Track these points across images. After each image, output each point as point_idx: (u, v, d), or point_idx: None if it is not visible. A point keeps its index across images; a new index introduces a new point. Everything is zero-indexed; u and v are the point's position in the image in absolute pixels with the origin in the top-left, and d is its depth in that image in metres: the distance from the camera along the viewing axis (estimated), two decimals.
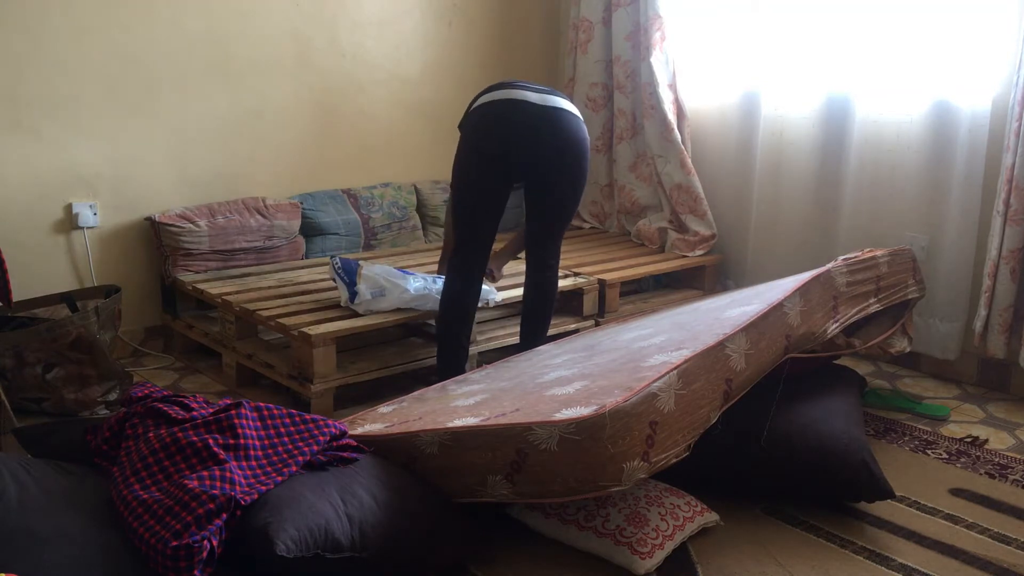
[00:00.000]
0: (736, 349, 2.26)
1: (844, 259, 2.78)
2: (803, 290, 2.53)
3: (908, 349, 3.00)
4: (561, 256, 3.86)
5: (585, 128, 2.90)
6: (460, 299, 2.91)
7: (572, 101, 3.01)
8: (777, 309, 2.43)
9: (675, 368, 2.11)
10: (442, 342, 2.95)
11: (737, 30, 3.84)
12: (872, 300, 2.79)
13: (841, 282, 2.68)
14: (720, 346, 2.24)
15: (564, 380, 2.33)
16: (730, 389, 2.22)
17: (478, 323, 3.26)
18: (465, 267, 2.90)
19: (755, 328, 2.34)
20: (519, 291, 3.37)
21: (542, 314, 3.07)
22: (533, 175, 2.87)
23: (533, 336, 3.06)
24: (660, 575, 2.09)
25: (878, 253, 2.89)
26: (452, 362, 2.92)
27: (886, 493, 2.29)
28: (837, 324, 2.61)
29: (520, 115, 2.79)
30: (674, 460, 2.03)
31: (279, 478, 1.95)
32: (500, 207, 2.88)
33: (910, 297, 2.97)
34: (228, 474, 1.87)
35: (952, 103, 3.21)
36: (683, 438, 2.06)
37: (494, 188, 2.85)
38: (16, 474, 1.87)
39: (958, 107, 3.19)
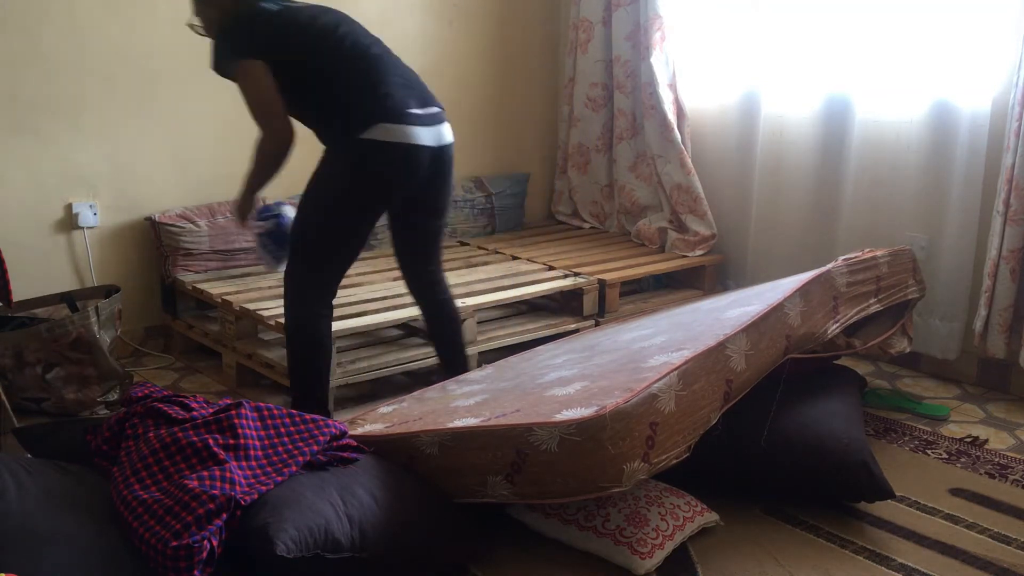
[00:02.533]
0: (736, 350, 2.26)
1: (844, 259, 2.78)
2: (803, 290, 2.53)
3: (908, 349, 3.00)
4: (561, 256, 3.91)
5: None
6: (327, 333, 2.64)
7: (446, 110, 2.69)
8: (777, 310, 2.43)
9: (676, 369, 2.11)
10: (312, 379, 2.63)
11: (737, 30, 3.83)
12: (872, 300, 2.79)
13: (841, 282, 2.68)
14: (721, 347, 2.24)
15: (564, 381, 2.33)
16: (730, 390, 2.22)
17: (479, 323, 3.26)
18: (328, 297, 2.63)
19: (755, 329, 2.34)
20: (522, 290, 3.37)
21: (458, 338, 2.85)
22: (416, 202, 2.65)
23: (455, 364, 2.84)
24: (660, 575, 2.09)
25: (878, 253, 2.89)
26: (319, 399, 2.65)
27: (886, 493, 2.29)
28: (837, 324, 2.61)
29: (419, 167, 2.52)
30: (674, 461, 2.04)
31: (279, 478, 1.95)
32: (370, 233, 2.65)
33: (910, 297, 2.97)
34: (228, 474, 1.87)
35: (952, 103, 3.21)
36: (683, 439, 2.06)
37: (374, 218, 2.60)
38: (16, 474, 1.87)
39: (958, 107, 3.19)
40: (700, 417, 2.11)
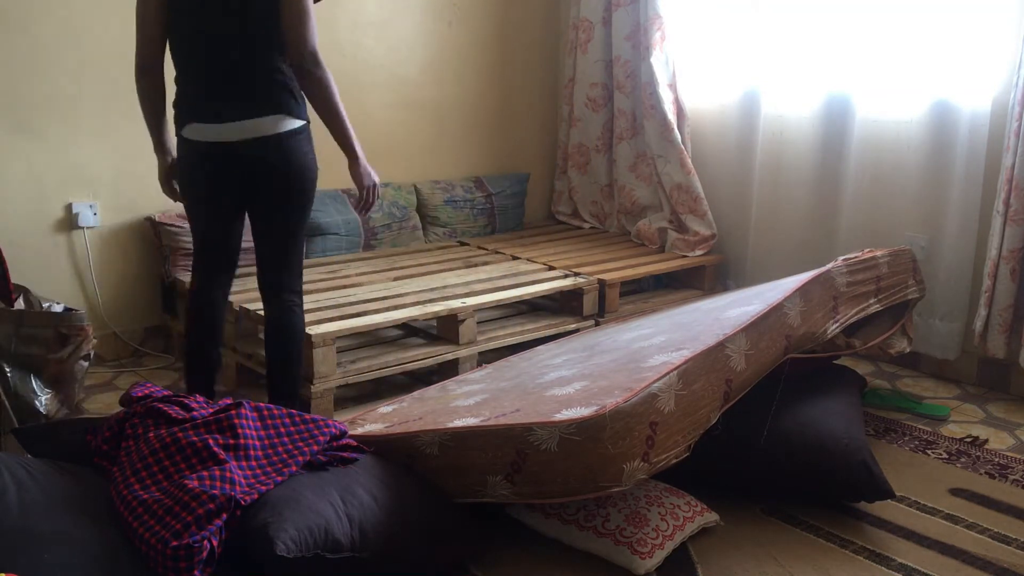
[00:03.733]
0: (736, 349, 2.26)
1: (844, 259, 2.79)
2: (803, 290, 2.54)
3: (908, 349, 3.01)
4: (561, 256, 3.91)
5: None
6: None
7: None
8: (777, 309, 2.43)
9: (675, 368, 2.11)
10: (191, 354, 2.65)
11: (737, 30, 3.84)
12: (872, 300, 2.79)
13: (841, 282, 2.68)
14: (720, 346, 2.24)
15: (564, 380, 2.33)
16: (730, 389, 2.22)
17: (479, 323, 3.27)
18: (198, 278, 2.64)
19: (755, 328, 2.34)
20: (522, 290, 3.37)
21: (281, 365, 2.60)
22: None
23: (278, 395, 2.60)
24: (660, 575, 2.09)
25: (878, 253, 2.89)
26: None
27: (886, 493, 2.29)
28: (837, 324, 2.61)
29: (199, 162, 2.49)
30: (674, 461, 2.03)
31: (279, 478, 1.95)
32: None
33: (910, 297, 2.97)
34: (228, 474, 1.87)
35: (952, 103, 3.21)
36: (683, 439, 2.06)
37: (204, 208, 2.60)
38: (16, 474, 1.87)
39: (958, 107, 3.19)
40: (700, 417, 2.12)
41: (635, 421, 1.97)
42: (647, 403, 2.01)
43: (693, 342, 2.28)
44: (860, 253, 2.88)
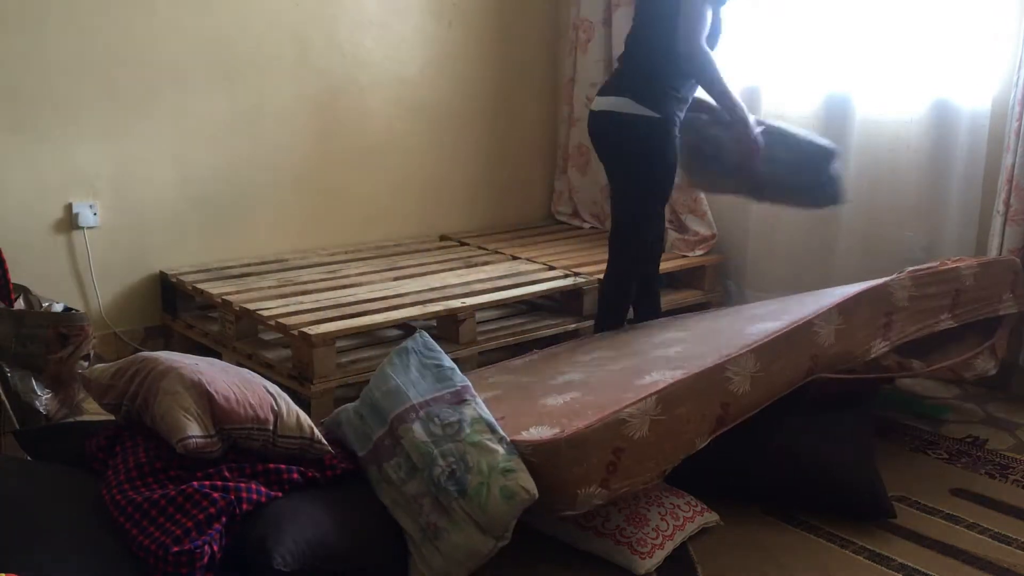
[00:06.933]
0: (740, 371, 2.20)
1: (911, 271, 2.60)
2: (843, 307, 2.39)
3: (993, 371, 2.75)
4: (561, 256, 3.90)
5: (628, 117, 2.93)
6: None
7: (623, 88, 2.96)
8: (805, 328, 2.32)
9: (655, 393, 2.08)
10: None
11: (736, 28, 3.82)
12: (945, 315, 2.59)
13: (902, 296, 2.51)
14: (719, 368, 2.18)
15: (567, 386, 2.32)
16: (726, 414, 2.16)
17: (479, 323, 3.27)
18: None
19: (770, 349, 2.25)
20: (522, 290, 3.37)
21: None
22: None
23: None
24: (660, 575, 2.09)
25: (962, 264, 2.69)
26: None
27: (887, 513, 2.29)
28: (886, 343, 2.45)
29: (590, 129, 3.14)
30: (641, 486, 2.02)
31: (278, 492, 1.94)
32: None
33: (1003, 313, 2.74)
34: (230, 483, 1.87)
35: (952, 103, 3.21)
36: (656, 464, 2.03)
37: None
38: (16, 475, 1.87)
39: (958, 107, 3.19)
40: (681, 442, 2.08)
41: (594, 447, 1.96)
42: (612, 429, 1.99)
43: (698, 360, 2.22)
44: (936, 263, 2.67)
